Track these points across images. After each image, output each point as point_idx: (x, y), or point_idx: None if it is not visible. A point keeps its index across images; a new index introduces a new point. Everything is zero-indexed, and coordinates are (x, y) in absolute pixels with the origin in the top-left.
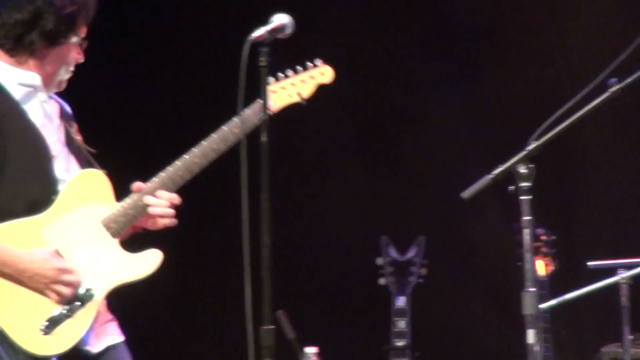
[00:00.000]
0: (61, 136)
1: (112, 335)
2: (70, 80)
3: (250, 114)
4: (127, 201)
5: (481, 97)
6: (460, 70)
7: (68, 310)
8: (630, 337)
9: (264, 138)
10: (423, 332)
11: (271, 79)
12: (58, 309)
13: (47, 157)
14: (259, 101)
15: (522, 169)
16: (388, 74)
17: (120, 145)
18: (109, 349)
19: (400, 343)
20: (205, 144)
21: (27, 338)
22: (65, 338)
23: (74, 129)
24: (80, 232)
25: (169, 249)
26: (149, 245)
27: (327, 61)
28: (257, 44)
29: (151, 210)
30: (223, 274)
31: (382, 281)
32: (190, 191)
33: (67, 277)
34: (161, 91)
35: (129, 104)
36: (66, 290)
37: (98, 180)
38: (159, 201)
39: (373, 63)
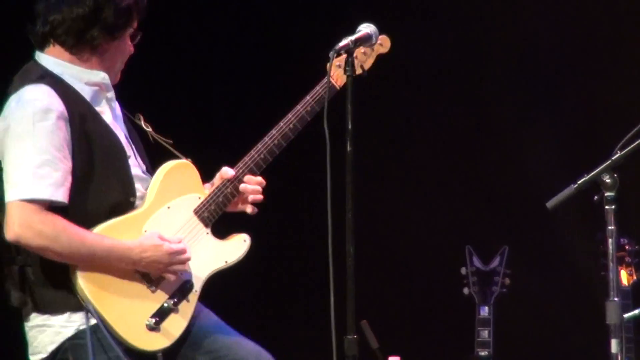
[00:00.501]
0: (126, 132)
1: None
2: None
3: (319, 90)
4: (215, 189)
5: (566, 108)
6: (547, 85)
7: (173, 304)
8: None
9: (349, 147)
10: (506, 342)
11: (332, 53)
12: (163, 304)
13: (124, 159)
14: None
15: (607, 179)
16: (472, 85)
17: (200, 134)
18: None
19: (483, 353)
20: (282, 124)
21: (134, 334)
22: (169, 333)
23: (142, 120)
24: (176, 224)
25: (255, 259)
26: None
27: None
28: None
29: (249, 198)
30: (308, 284)
31: (466, 291)
32: (277, 199)
33: (180, 257)
34: (249, 95)
35: (212, 100)
36: (182, 268)
37: (187, 170)
38: (252, 188)
39: (459, 76)
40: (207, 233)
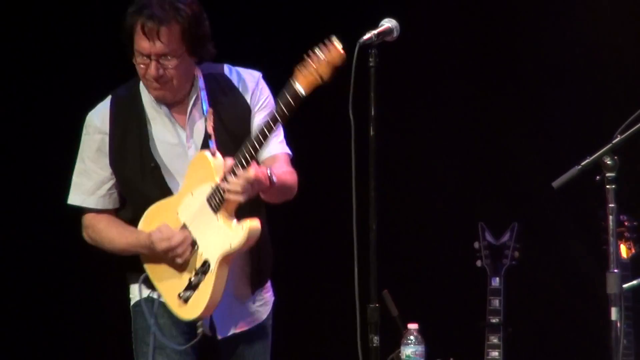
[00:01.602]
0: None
1: (240, 322)
2: None
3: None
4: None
5: (574, 96)
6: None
7: (196, 282)
8: None
9: (372, 132)
10: (515, 310)
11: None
12: (190, 281)
13: (156, 170)
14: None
15: (608, 161)
16: (489, 72)
17: None
18: (236, 337)
19: (494, 320)
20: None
21: (174, 306)
22: (196, 305)
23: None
24: (195, 210)
25: (286, 236)
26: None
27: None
28: (366, 46)
29: (225, 196)
30: (336, 257)
31: (479, 263)
32: (306, 181)
33: (177, 251)
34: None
35: None
36: (181, 260)
37: (202, 160)
38: (229, 186)
39: (476, 63)
40: (217, 219)
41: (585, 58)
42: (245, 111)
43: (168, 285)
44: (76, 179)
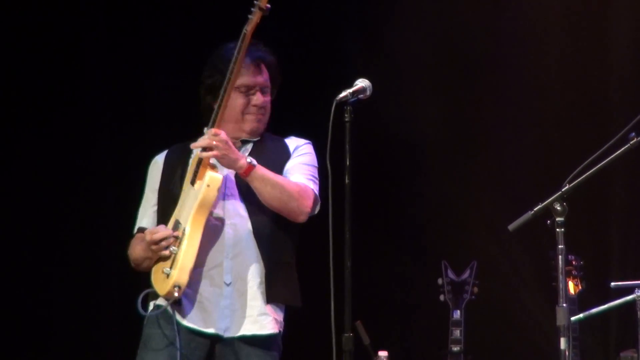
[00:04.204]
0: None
1: (249, 325)
2: None
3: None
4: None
5: (528, 145)
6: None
7: (174, 255)
8: None
9: (347, 180)
10: (474, 340)
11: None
12: (171, 254)
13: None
14: None
15: (558, 207)
16: (451, 121)
17: None
18: (243, 338)
19: (456, 348)
20: None
21: (157, 283)
22: (171, 276)
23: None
24: (184, 198)
25: None
26: None
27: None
28: (342, 103)
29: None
30: (313, 291)
31: (442, 297)
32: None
33: (162, 244)
34: None
35: None
36: (167, 252)
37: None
38: (197, 143)
39: (437, 115)
40: (194, 188)
41: (539, 115)
42: (284, 154)
43: (159, 274)
44: (139, 210)
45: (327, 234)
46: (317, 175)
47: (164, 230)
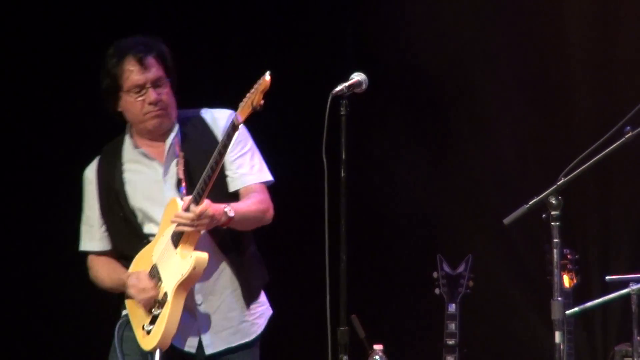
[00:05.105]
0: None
1: (234, 337)
2: None
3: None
4: None
5: (525, 138)
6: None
7: (155, 314)
8: (639, 339)
9: (343, 173)
10: (469, 333)
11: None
12: (153, 313)
13: (132, 218)
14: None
15: (553, 200)
16: (445, 114)
17: None
18: (229, 350)
19: (451, 341)
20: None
21: (139, 338)
22: (152, 338)
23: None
24: (163, 248)
25: (267, 267)
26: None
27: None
28: (338, 97)
29: (176, 228)
30: (309, 285)
31: (437, 291)
32: (282, 218)
33: (141, 297)
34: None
35: None
36: (145, 307)
37: (172, 205)
38: (179, 220)
39: (432, 109)
40: (176, 253)
41: (541, 107)
42: (213, 141)
43: (138, 320)
44: (82, 227)
45: (323, 228)
46: (259, 155)
47: (144, 283)
